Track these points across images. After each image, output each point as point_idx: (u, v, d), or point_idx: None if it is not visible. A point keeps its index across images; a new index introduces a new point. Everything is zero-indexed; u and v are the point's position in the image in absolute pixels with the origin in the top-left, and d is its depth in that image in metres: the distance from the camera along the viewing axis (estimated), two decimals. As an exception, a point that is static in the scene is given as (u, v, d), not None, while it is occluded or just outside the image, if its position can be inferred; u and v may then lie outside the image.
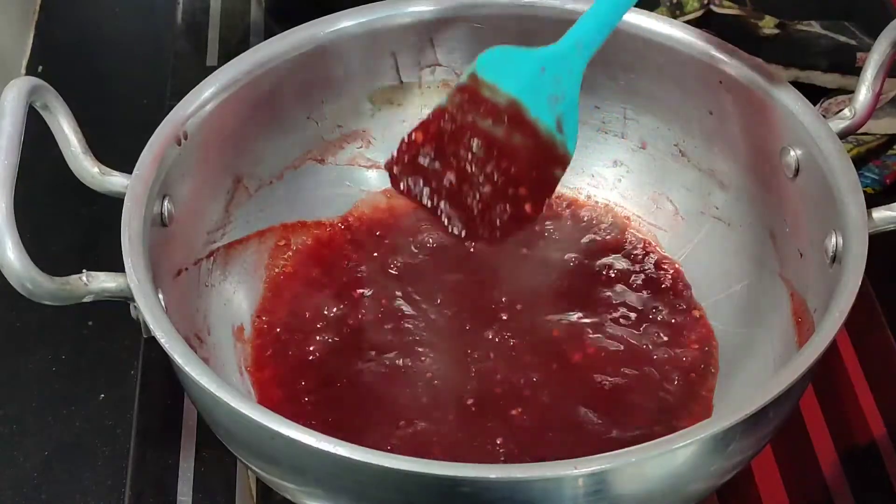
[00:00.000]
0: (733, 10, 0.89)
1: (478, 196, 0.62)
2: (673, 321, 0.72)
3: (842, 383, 0.75)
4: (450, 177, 0.62)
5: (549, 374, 0.68)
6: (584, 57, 0.64)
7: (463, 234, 0.64)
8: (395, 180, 0.64)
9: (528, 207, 0.63)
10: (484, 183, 0.62)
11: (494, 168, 0.62)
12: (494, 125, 0.62)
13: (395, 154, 0.64)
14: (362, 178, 0.78)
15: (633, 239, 0.76)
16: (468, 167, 0.62)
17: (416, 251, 0.75)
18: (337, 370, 0.69)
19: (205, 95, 0.68)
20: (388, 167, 0.64)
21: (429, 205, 0.63)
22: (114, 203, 0.62)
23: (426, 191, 0.63)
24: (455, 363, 0.69)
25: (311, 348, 0.70)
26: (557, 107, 0.63)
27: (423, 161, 0.62)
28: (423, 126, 0.63)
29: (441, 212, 0.63)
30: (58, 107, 0.63)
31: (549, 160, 0.64)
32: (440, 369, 0.69)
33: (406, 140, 0.63)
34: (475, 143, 0.62)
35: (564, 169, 0.64)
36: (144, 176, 0.63)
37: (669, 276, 0.74)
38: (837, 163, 0.64)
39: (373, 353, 0.70)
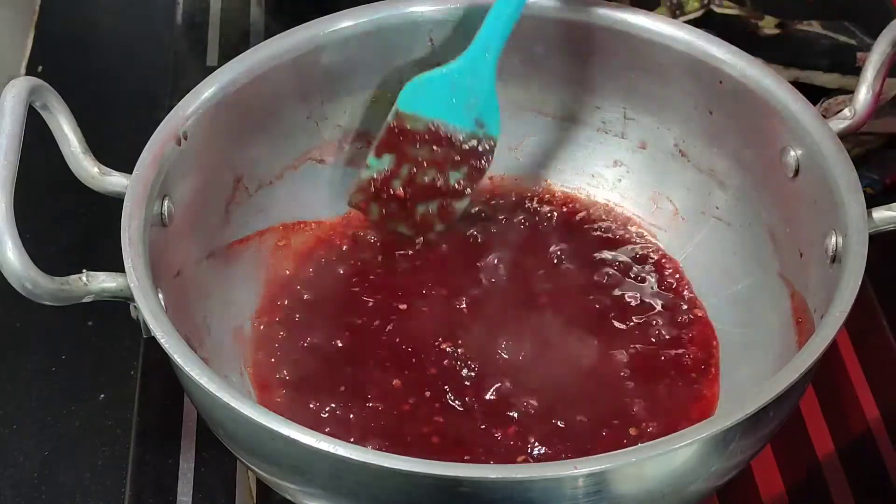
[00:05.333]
0: (733, 10, 0.89)
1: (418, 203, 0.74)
2: (673, 321, 0.72)
3: (842, 383, 0.75)
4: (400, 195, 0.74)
5: (549, 373, 0.68)
6: (493, 58, 0.72)
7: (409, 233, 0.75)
8: (360, 206, 0.75)
9: (463, 192, 0.74)
10: (422, 193, 0.74)
11: (428, 180, 0.74)
12: (422, 147, 0.73)
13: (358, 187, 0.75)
14: (362, 178, 0.78)
15: (633, 239, 0.76)
16: (409, 185, 0.74)
17: (416, 251, 0.75)
18: (337, 370, 0.69)
19: (205, 95, 0.68)
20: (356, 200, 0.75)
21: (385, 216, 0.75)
22: (114, 203, 0.62)
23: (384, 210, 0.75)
24: (455, 362, 0.69)
25: (311, 348, 0.70)
26: (475, 111, 0.73)
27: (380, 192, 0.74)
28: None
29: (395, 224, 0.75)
30: (58, 107, 0.63)
31: (475, 156, 0.74)
32: (440, 368, 0.69)
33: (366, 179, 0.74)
34: (408, 168, 0.73)
35: (492, 152, 0.74)
36: (144, 176, 0.63)
37: (670, 276, 0.74)
38: (837, 163, 0.64)
39: (373, 352, 0.70)
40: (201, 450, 0.71)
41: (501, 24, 0.71)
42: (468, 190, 0.74)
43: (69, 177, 0.64)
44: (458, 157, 0.73)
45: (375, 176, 0.74)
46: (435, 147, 0.73)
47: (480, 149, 0.73)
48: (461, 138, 0.73)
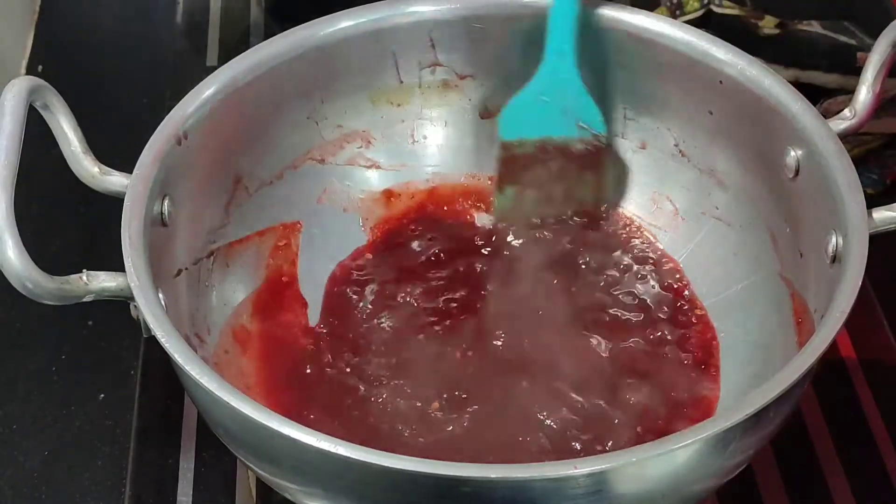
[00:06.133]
0: (733, 10, 0.89)
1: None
2: (673, 321, 0.72)
3: (842, 383, 0.75)
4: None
5: (549, 373, 0.68)
6: (570, 59, 0.71)
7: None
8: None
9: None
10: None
11: (556, 198, 0.74)
12: (539, 168, 0.73)
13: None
14: (362, 178, 0.78)
15: (634, 239, 0.76)
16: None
17: (416, 251, 0.75)
18: (337, 370, 0.69)
19: (205, 95, 0.68)
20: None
21: None
22: (114, 203, 0.62)
23: None
24: (456, 362, 0.69)
25: (311, 348, 0.70)
26: (572, 115, 0.72)
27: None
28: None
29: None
30: (58, 106, 0.63)
31: (590, 158, 0.73)
32: (440, 368, 0.69)
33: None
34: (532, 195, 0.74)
35: (604, 146, 0.74)
36: (144, 176, 0.63)
37: (670, 277, 0.74)
38: (837, 163, 0.64)
39: (372, 352, 0.70)
40: (201, 450, 0.72)
41: (566, 26, 0.71)
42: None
43: (69, 177, 0.64)
44: (575, 169, 0.73)
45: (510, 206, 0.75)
46: (551, 164, 0.73)
47: (593, 150, 0.73)
48: (571, 146, 0.73)
